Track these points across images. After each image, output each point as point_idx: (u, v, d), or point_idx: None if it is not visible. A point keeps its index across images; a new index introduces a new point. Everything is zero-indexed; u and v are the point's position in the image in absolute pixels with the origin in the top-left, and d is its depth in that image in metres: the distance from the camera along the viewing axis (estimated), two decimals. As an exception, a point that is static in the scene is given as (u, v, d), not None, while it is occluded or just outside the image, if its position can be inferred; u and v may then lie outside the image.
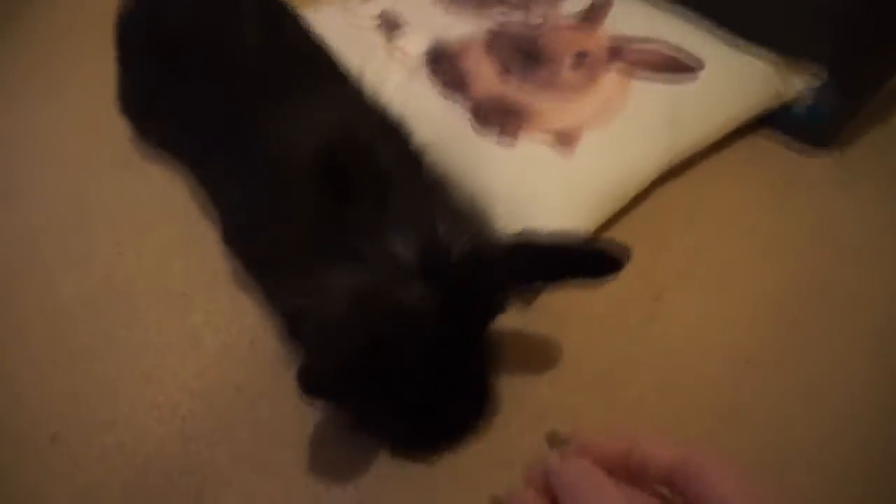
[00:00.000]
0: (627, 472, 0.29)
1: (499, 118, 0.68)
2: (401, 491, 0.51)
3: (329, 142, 0.50)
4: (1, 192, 0.73)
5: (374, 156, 0.50)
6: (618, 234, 0.70)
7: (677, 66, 0.73)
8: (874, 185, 0.76)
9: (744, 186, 0.77)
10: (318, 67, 0.63)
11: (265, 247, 0.53)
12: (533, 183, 0.64)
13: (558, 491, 0.28)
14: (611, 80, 0.71)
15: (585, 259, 0.48)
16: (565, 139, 0.66)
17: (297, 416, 0.54)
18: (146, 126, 0.72)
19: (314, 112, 0.54)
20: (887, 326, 0.62)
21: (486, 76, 0.72)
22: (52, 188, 0.73)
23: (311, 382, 0.41)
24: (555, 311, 0.63)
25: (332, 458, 0.52)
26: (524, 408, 0.54)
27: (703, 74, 0.73)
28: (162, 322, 0.61)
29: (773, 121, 0.82)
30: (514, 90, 0.71)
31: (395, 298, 0.44)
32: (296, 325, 0.52)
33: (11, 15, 0.94)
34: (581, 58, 0.73)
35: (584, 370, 0.58)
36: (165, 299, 0.62)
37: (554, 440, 0.34)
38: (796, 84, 0.79)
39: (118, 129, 0.75)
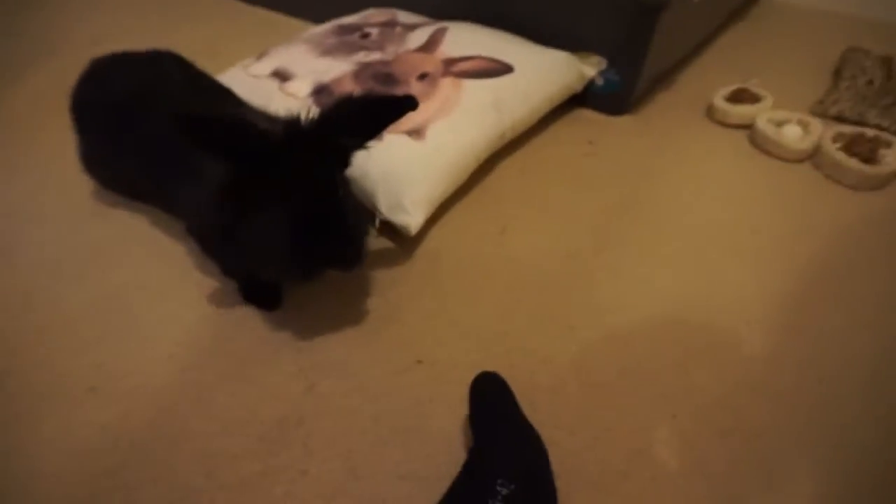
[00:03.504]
0: None
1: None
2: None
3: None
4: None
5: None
6: (471, 193, 0.98)
7: (493, 72, 1.03)
8: (661, 132, 1.15)
9: (566, 144, 1.09)
10: (226, 100, 0.88)
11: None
12: (398, 163, 0.90)
13: None
14: (447, 84, 1.00)
15: (386, 103, 0.71)
16: (416, 134, 0.93)
17: (250, 346, 0.77)
18: (106, 176, 0.94)
19: None
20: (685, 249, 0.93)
21: (357, 99, 0.99)
22: (37, 241, 0.93)
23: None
24: (429, 253, 0.89)
25: (288, 365, 0.75)
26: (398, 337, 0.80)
27: (517, 70, 1.04)
28: (149, 310, 0.82)
29: (584, 101, 1.17)
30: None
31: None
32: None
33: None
34: (423, 76, 1.01)
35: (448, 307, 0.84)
36: (151, 295, 0.84)
37: None
38: (588, 70, 1.12)
39: (84, 185, 0.97)
